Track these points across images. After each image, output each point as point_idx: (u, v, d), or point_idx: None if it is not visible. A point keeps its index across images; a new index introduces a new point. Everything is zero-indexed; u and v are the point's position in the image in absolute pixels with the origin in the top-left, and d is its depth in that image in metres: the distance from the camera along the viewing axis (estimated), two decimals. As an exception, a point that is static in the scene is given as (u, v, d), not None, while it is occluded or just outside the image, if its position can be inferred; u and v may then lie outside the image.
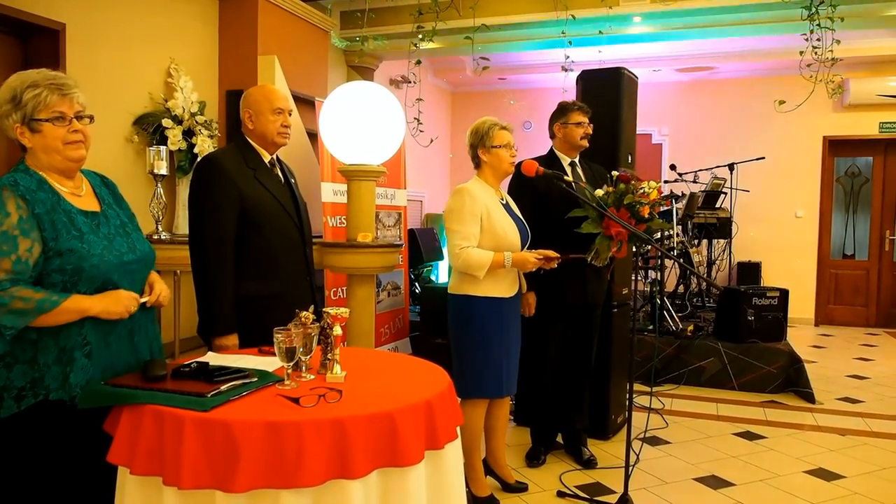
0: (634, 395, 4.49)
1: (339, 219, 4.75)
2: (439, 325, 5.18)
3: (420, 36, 6.26)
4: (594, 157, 3.81)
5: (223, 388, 1.77)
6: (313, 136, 5.07)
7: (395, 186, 5.69)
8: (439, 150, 9.01)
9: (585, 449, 3.74)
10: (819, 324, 8.60)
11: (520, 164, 3.11)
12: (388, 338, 5.31)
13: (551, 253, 2.96)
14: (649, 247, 3.98)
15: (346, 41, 6.83)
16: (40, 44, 3.84)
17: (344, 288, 4.58)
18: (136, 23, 4.36)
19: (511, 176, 3.26)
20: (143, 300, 1.95)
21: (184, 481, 1.57)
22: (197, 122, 4.49)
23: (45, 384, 1.78)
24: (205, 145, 4.44)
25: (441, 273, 7.57)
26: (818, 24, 5.30)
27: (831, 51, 5.30)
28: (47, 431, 1.79)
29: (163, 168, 4.11)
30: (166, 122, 4.33)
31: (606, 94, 4.01)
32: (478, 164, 3.09)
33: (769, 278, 8.38)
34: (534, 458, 3.67)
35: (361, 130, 3.73)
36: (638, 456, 3.63)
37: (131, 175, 4.31)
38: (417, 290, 6.81)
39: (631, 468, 2.99)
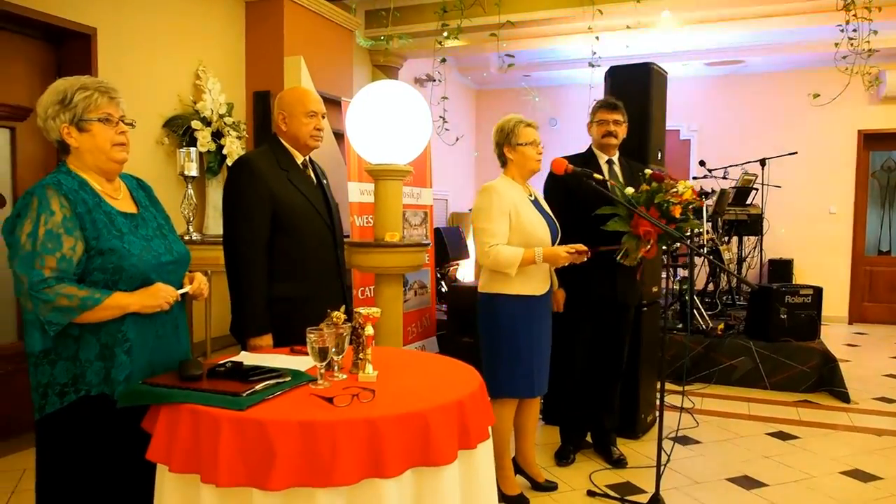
0: (664, 395, 4.48)
1: (367, 218, 4.77)
2: (466, 323, 5.20)
3: (445, 34, 6.26)
4: (623, 154, 3.77)
5: (258, 387, 1.78)
6: (339, 136, 5.09)
7: (421, 185, 5.69)
8: (464, 148, 8.99)
9: (615, 448, 3.71)
10: (853, 322, 8.44)
11: (576, 161, 3.09)
12: (415, 337, 5.32)
13: (581, 247, 2.92)
14: (678, 245, 3.95)
15: (370, 40, 6.85)
16: (72, 48, 3.91)
17: (371, 287, 4.59)
18: (164, 26, 4.42)
19: (548, 174, 3.24)
20: (183, 290, 2.00)
21: (221, 479, 1.59)
22: (225, 123, 4.53)
23: (87, 380, 1.83)
24: (233, 146, 4.49)
25: (467, 272, 7.56)
26: (854, 15, 5.18)
27: (868, 41, 5.19)
28: (90, 427, 1.83)
29: (193, 169, 4.16)
30: (195, 124, 4.39)
31: (635, 89, 3.96)
32: (504, 162, 3.08)
33: (801, 276, 8.24)
34: (563, 457, 3.65)
35: (388, 130, 3.74)
36: (669, 456, 3.58)
37: (162, 176, 4.37)
38: (443, 290, 6.82)
39: (662, 468, 2.95)
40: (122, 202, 1.97)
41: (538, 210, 3.02)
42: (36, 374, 1.84)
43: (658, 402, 3.04)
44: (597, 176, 3.04)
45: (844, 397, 4.93)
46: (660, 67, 4.09)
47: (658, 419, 3.01)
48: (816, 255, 8.46)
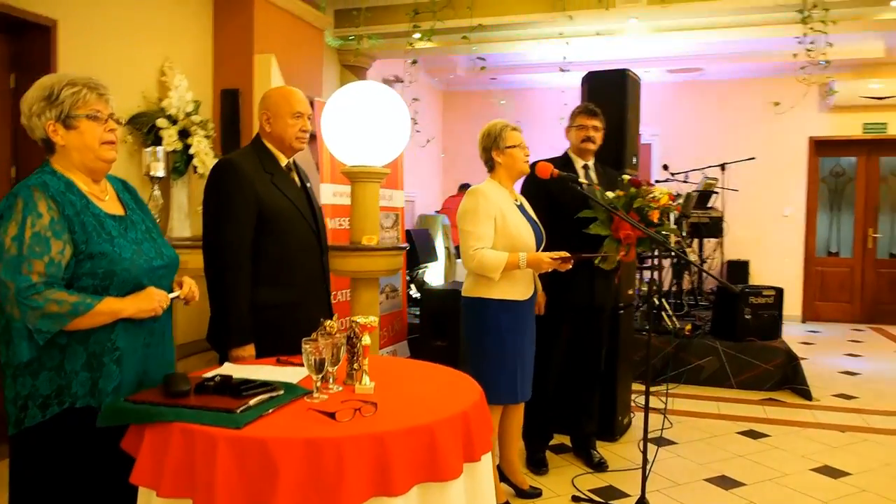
0: (635, 396, 4.52)
1: (339, 220, 4.69)
2: (440, 327, 5.15)
3: (417, 35, 6.21)
4: (601, 159, 3.79)
5: (252, 402, 1.70)
6: (311, 137, 4.99)
7: (393, 187, 5.62)
8: (431, 149, 8.95)
9: (595, 452, 3.72)
10: (806, 320, 8.70)
11: (534, 165, 3.07)
12: (387, 341, 5.26)
13: (565, 254, 2.92)
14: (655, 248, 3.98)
15: (340, 40, 6.75)
16: (31, 41, 3.73)
17: (345, 291, 4.51)
18: (128, 19, 4.26)
19: (525, 178, 3.23)
20: (174, 295, 1.93)
21: (218, 503, 1.51)
22: (192, 121, 4.39)
23: (72, 391, 1.73)
24: (201, 146, 4.35)
25: (436, 275, 7.51)
26: (811, 28, 5.33)
27: (824, 53, 5.34)
28: (73, 441, 1.74)
29: (160, 170, 4.03)
30: (161, 123, 4.23)
31: (612, 95, 3.99)
32: (491, 166, 3.05)
33: (757, 277, 8.46)
34: (541, 465, 3.61)
35: (366, 132, 3.67)
36: (653, 458, 3.59)
37: (125, 176, 4.17)
38: (412, 293, 6.76)
39: (648, 470, 2.96)
40: (110, 204, 1.88)
41: (524, 215, 3.00)
42: (15, 385, 1.73)
43: (643, 404, 3.05)
44: (582, 180, 3.04)
45: (807, 395, 5.06)
46: (634, 74, 4.11)
47: (644, 422, 3.02)
48: (771, 257, 8.69)
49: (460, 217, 2.93)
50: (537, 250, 2.99)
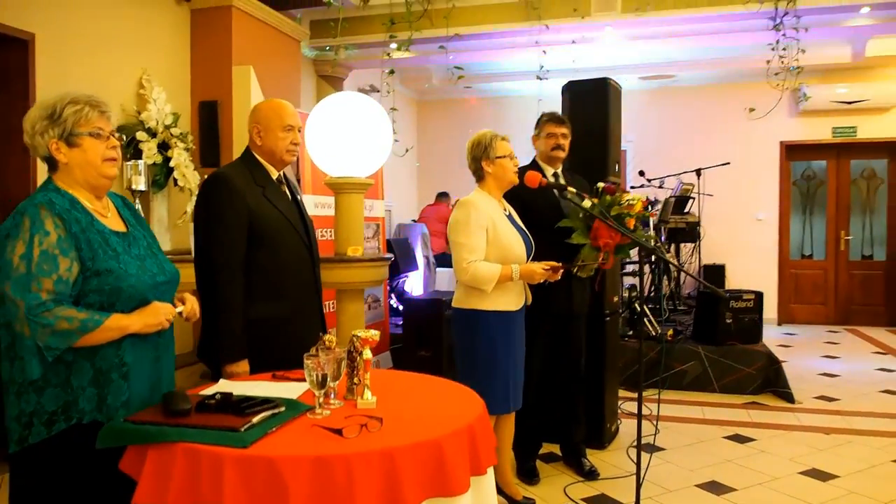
0: (620, 402, 4.54)
1: (321, 232, 4.65)
2: (423, 337, 5.13)
3: (394, 45, 6.21)
4: (585, 168, 3.81)
5: (255, 420, 1.67)
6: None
7: (373, 197, 5.60)
8: (406, 158, 8.94)
9: (585, 460, 3.71)
10: (782, 323, 8.82)
11: (522, 174, 3.07)
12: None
13: (556, 264, 2.93)
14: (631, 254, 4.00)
15: (316, 50, 6.72)
16: (8, 54, 3.66)
17: (328, 302, 4.47)
18: (106, 32, 4.20)
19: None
20: (179, 309, 1.93)
21: (227, 524, 1.47)
22: (172, 134, 4.33)
23: (79, 407, 1.73)
24: (181, 158, 4.29)
25: (416, 284, 7.49)
26: (784, 34, 5.44)
27: (797, 59, 5.45)
28: (78, 457, 1.72)
29: (141, 183, 3.97)
30: (140, 136, 4.17)
31: (594, 104, 4.01)
32: (480, 176, 3.04)
33: (733, 280, 8.58)
34: (532, 475, 3.60)
35: (351, 143, 3.66)
36: (647, 465, 3.59)
37: (105, 191, 4.13)
38: (393, 303, 6.73)
39: (642, 478, 2.96)
40: (112, 221, 1.89)
41: (513, 225, 3.00)
42: (18, 402, 1.71)
43: (629, 411, 3.05)
44: (571, 189, 3.05)
45: (789, 398, 5.13)
46: (615, 82, 4.15)
47: (637, 429, 3.03)
48: (746, 260, 8.81)
49: (451, 229, 2.92)
50: (527, 259, 2.99)
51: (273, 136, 2.41)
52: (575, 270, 3.20)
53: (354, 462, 1.51)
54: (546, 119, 3.58)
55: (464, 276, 2.84)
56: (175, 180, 4.29)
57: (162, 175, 4.29)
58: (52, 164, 1.83)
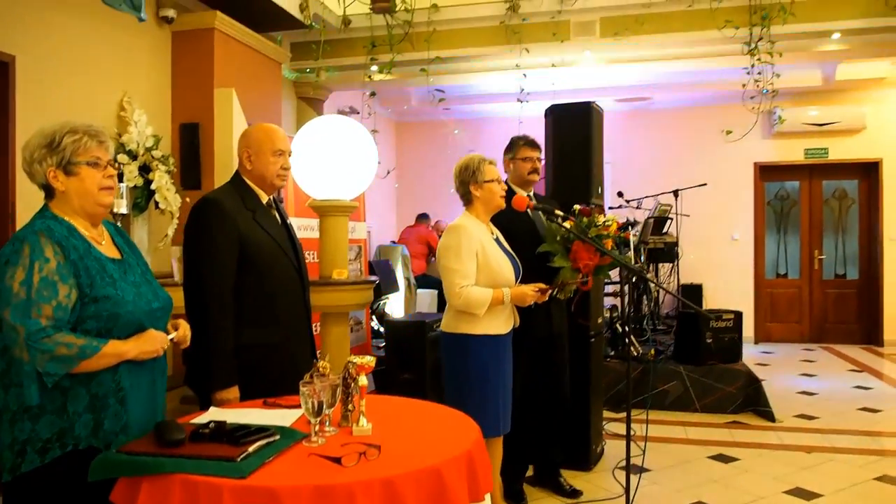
0: (605, 423, 4.55)
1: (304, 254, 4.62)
2: (406, 360, 5.10)
3: (375, 68, 6.24)
4: (569, 190, 3.85)
5: (251, 449, 1.65)
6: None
7: (355, 219, 5.59)
8: (385, 180, 8.95)
9: (563, 480, 3.72)
10: (759, 341, 8.92)
11: (509, 197, 3.08)
12: (355, 375, 5.17)
13: (544, 286, 2.95)
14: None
15: (296, 73, 6.73)
16: (-13, 77, 3.61)
17: (313, 325, 4.42)
18: (87, 54, 4.16)
19: None
20: (171, 336, 1.96)
21: (227, 557, 1.45)
22: (153, 156, 4.29)
23: (75, 434, 1.74)
24: (162, 181, 4.25)
25: (396, 306, 7.47)
26: (758, 59, 5.57)
27: (772, 83, 5.59)
28: (72, 485, 1.70)
29: (123, 207, 3.92)
30: (121, 158, 4.12)
31: (577, 127, 4.05)
32: (468, 200, 3.04)
33: (711, 300, 8.67)
34: (519, 498, 3.58)
35: (335, 166, 3.66)
36: (637, 487, 3.59)
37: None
38: (373, 325, 6.69)
39: (632, 500, 2.96)
40: (107, 247, 1.93)
41: (501, 248, 3.01)
42: (12, 430, 1.71)
43: (613, 431, 3.05)
44: (558, 212, 3.08)
45: (770, 416, 5.17)
46: (598, 106, 4.21)
47: (626, 450, 3.03)
48: (724, 280, 8.92)
49: (442, 254, 2.91)
50: (516, 282, 2.99)
51: (264, 161, 2.40)
52: (555, 292, 3.22)
53: (356, 491, 1.49)
54: (523, 143, 3.58)
55: (456, 300, 2.84)
56: (156, 203, 4.25)
57: (143, 198, 4.24)
58: (49, 191, 1.85)
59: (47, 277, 1.70)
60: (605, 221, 3.22)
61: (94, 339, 1.74)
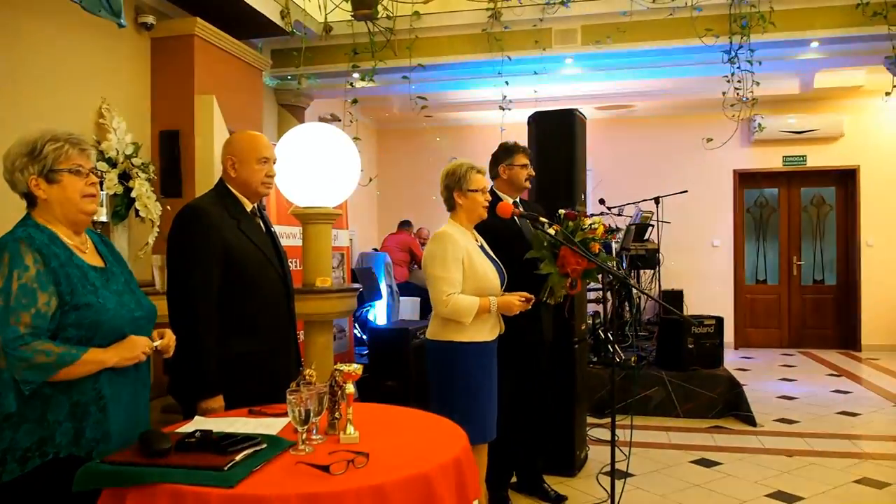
0: (588, 428, 4.55)
1: (287, 262, 4.59)
2: (389, 367, 5.09)
3: (356, 75, 6.24)
4: (552, 197, 3.87)
5: (238, 458, 1.63)
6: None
7: (338, 227, 5.57)
8: (367, 187, 8.93)
9: (547, 485, 3.72)
10: (738, 347, 9.02)
11: (494, 205, 3.09)
12: (338, 383, 5.14)
13: (529, 295, 2.96)
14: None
15: (277, 80, 6.70)
16: (-38, 83, 3.55)
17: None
18: (65, 61, 4.11)
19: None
20: (155, 344, 1.93)
21: (215, 568, 1.43)
22: (133, 164, 4.24)
23: (55, 442, 1.73)
24: (143, 189, 4.20)
25: (379, 313, 7.44)
26: (738, 67, 5.65)
27: (752, 91, 5.66)
28: (54, 493, 1.69)
29: (103, 215, 3.87)
30: (101, 166, 4.06)
31: (560, 135, 4.08)
32: (452, 205, 3.04)
33: (692, 306, 8.72)
34: (506, 508, 3.58)
35: (319, 173, 3.65)
36: (621, 492, 3.59)
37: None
38: (356, 332, 6.67)
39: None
40: (90, 256, 1.92)
41: (486, 256, 3.01)
42: None
43: (597, 437, 3.06)
44: (542, 219, 3.08)
45: (751, 421, 5.22)
46: (581, 113, 4.23)
47: (611, 456, 3.04)
48: (704, 286, 9.00)
49: (428, 262, 2.90)
50: (502, 289, 3.00)
51: (248, 168, 2.38)
52: (544, 298, 3.22)
53: (345, 499, 1.48)
54: (519, 150, 3.57)
55: (443, 308, 2.83)
56: (137, 211, 4.20)
57: (123, 206, 4.18)
58: (32, 200, 1.85)
59: (26, 285, 1.69)
60: (591, 224, 3.23)
61: (74, 346, 1.73)
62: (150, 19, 4.77)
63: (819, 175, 9.00)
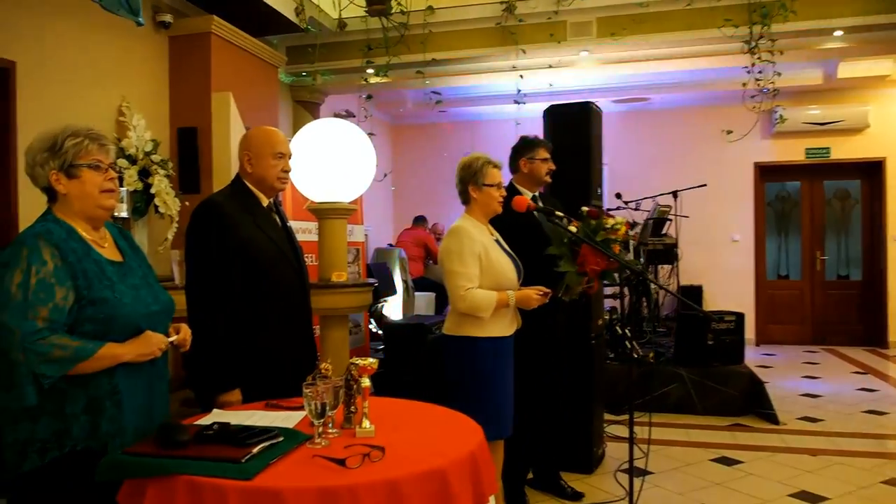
0: (606, 425, 4.52)
1: (304, 258, 4.60)
2: (405, 362, 5.08)
3: (371, 70, 6.24)
4: (568, 191, 3.83)
5: (255, 450, 1.63)
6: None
7: (353, 222, 5.57)
8: (381, 182, 8.94)
9: (563, 482, 3.70)
10: (760, 343, 8.90)
11: (509, 199, 3.06)
12: (354, 378, 5.14)
13: (547, 289, 2.93)
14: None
15: (292, 76, 6.72)
16: (-12, 82, 3.60)
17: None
18: (86, 60, 4.17)
19: None
20: (171, 339, 1.96)
21: (231, 559, 1.42)
22: (152, 161, 4.27)
23: (73, 435, 1.74)
24: (162, 185, 4.24)
25: (394, 308, 7.44)
26: (759, 58, 5.56)
27: (772, 82, 5.57)
28: (73, 485, 1.72)
29: (124, 211, 3.91)
30: (121, 163, 4.10)
31: (576, 128, 4.03)
32: (466, 199, 3.02)
33: (711, 301, 8.64)
34: (521, 502, 3.55)
35: (334, 169, 3.64)
36: (640, 490, 3.55)
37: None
38: (371, 327, 6.66)
39: (635, 503, 2.94)
40: (109, 250, 1.93)
41: (502, 250, 2.99)
42: (14, 430, 1.71)
43: (614, 434, 3.03)
44: (558, 213, 3.05)
45: (773, 419, 5.14)
46: (597, 106, 4.19)
47: (629, 453, 3.01)
48: (723, 282, 8.89)
49: (444, 257, 2.88)
50: (519, 282, 2.97)
51: (264, 164, 2.38)
52: (560, 295, 3.19)
53: (360, 493, 1.47)
54: (540, 144, 3.54)
55: (461, 304, 2.81)
56: (156, 207, 4.23)
57: (142, 202, 4.23)
58: (52, 194, 1.87)
59: (44, 280, 1.71)
60: (613, 225, 3.17)
61: (90, 341, 1.75)
62: (167, 18, 4.81)
63: (843, 168, 8.83)
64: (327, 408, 1.76)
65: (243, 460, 1.56)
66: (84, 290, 1.76)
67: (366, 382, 1.90)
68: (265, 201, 2.44)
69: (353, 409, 1.93)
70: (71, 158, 1.82)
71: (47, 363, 1.68)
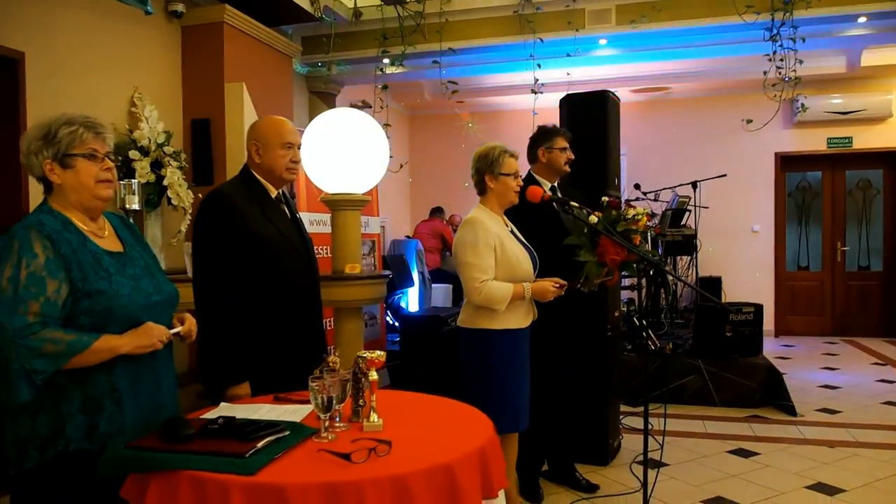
0: (622, 417, 4.47)
1: (316, 249, 4.57)
2: (421, 354, 5.06)
3: (387, 60, 6.19)
4: (585, 181, 3.78)
5: (259, 445, 1.61)
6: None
7: (369, 214, 5.55)
8: (399, 174, 8.91)
9: (578, 475, 3.67)
10: (779, 335, 8.79)
11: (524, 189, 3.01)
12: (369, 370, 5.14)
13: (563, 281, 2.89)
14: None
15: (308, 67, 6.70)
16: (-2, 73, 3.60)
17: (327, 321, 4.39)
18: (97, 50, 4.15)
19: None
20: (175, 330, 1.90)
21: (234, 555, 1.41)
22: (165, 152, 4.27)
23: (66, 434, 1.70)
24: (174, 177, 4.23)
25: (411, 300, 7.43)
26: (780, 45, 5.45)
27: (794, 70, 5.46)
28: (73, 484, 1.70)
29: (135, 203, 3.91)
30: (133, 154, 4.11)
31: (593, 117, 3.98)
32: (482, 189, 2.98)
33: (730, 292, 8.53)
34: (536, 494, 3.53)
35: (348, 159, 3.62)
36: (655, 482, 3.51)
37: (98, 210, 4.06)
38: (388, 319, 6.66)
39: (650, 494, 2.90)
40: (108, 241, 1.87)
41: (517, 241, 2.95)
42: (15, 426, 1.69)
43: (630, 426, 2.99)
44: (573, 203, 3.00)
45: (791, 410, 5.07)
46: (614, 95, 4.13)
47: (643, 445, 2.97)
48: (742, 273, 8.80)
49: (459, 249, 2.85)
50: (534, 274, 2.93)
51: (273, 154, 2.35)
52: (579, 286, 3.15)
53: (366, 488, 1.45)
54: (558, 133, 3.49)
55: (477, 296, 2.77)
56: (169, 199, 4.23)
57: (155, 194, 4.22)
58: (47, 185, 1.81)
59: (35, 273, 1.66)
60: (634, 216, 3.12)
61: (85, 334, 1.69)
62: (179, 7, 4.79)
63: (866, 157, 8.67)
64: (334, 401, 1.74)
65: (247, 455, 1.55)
66: (79, 281, 1.71)
67: (373, 376, 1.88)
68: (274, 192, 2.42)
69: (360, 402, 1.91)
70: (65, 148, 1.76)
71: (39, 358, 1.63)
